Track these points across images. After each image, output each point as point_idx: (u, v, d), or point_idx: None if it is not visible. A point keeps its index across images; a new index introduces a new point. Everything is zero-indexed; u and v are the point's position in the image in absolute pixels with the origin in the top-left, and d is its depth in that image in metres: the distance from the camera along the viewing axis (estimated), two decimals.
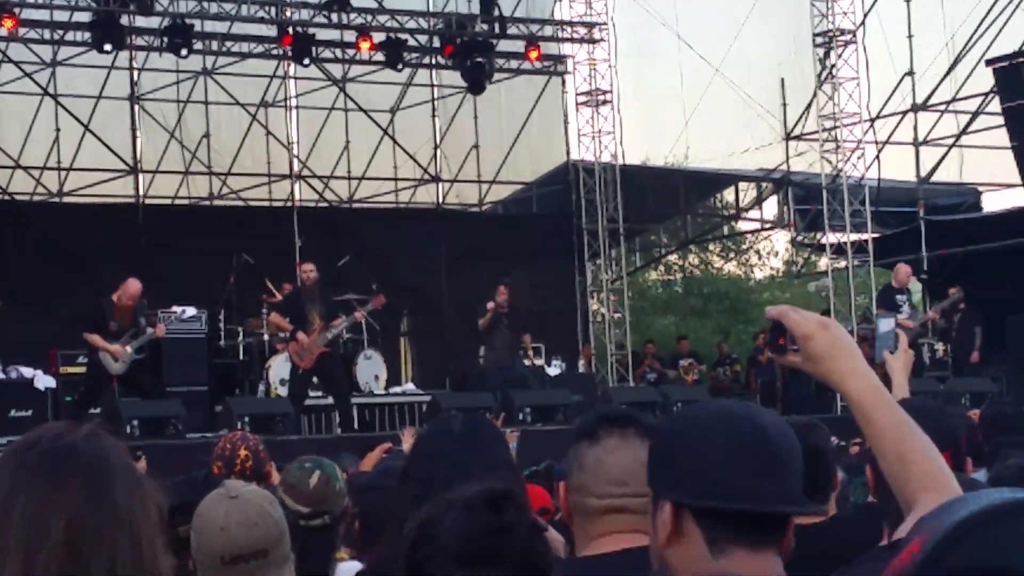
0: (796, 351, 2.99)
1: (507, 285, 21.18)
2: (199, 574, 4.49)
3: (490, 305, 20.91)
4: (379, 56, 25.49)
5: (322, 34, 25.17)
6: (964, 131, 28.09)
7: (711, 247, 46.81)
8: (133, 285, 18.06)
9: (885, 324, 5.07)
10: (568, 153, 29.25)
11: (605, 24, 27.27)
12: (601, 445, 3.40)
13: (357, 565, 5.42)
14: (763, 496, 2.66)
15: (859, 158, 26.36)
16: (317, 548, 5.31)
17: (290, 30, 24.53)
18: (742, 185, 31.53)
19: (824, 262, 28.07)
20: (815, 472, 5.05)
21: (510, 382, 20.74)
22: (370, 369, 22.13)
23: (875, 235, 26.95)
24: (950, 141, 28.25)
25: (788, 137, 28.46)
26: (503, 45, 26.24)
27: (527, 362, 22.63)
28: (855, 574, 2.93)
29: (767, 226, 33.50)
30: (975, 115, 27.91)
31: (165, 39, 23.59)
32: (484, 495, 2.78)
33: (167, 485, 2.31)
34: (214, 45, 25.60)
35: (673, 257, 46.09)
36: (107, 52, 23.82)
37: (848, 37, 25.98)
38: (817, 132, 26.60)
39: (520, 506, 2.80)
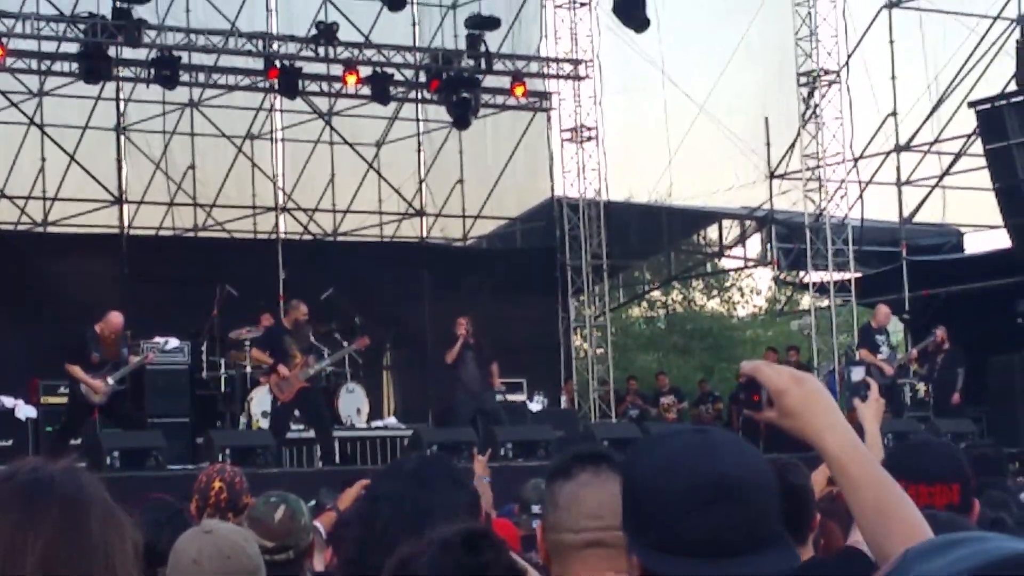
0: (771, 406, 2.99)
1: (467, 317, 21.11)
2: None
3: (461, 332, 20.89)
4: (365, 90, 25.58)
5: (309, 67, 25.25)
6: (947, 172, 28.22)
7: (694, 284, 46.88)
8: (115, 318, 18.00)
9: (857, 373, 5.14)
10: (552, 189, 29.27)
11: (591, 61, 27.35)
12: (575, 481, 3.40)
13: None
14: (724, 545, 2.60)
15: (842, 197, 26.50)
16: None
17: (277, 63, 24.59)
18: (725, 222, 31.62)
19: (806, 300, 28.16)
20: (793, 512, 5.08)
21: (482, 414, 20.70)
22: (352, 402, 22.08)
23: (858, 274, 27.01)
24: (932, 182, 28.38)
25: (772, 175, 28.55)
26: (489, 81, 26.35)
27: (499, 396, 22.54)
28: None
29: (750, 264, 33.61)
30: (958, 156, 28.02)
31: (152, 71, 23.64)
32: (461, 535, 2.77)
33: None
34: (201, 77, 25.65)
35: (656, 294, 46.14)
36: (94, 83, 23.85)
37: (832, 77, 26.12)
38: (801, 171, 26.71)
39: (497, 547, 2.79)
